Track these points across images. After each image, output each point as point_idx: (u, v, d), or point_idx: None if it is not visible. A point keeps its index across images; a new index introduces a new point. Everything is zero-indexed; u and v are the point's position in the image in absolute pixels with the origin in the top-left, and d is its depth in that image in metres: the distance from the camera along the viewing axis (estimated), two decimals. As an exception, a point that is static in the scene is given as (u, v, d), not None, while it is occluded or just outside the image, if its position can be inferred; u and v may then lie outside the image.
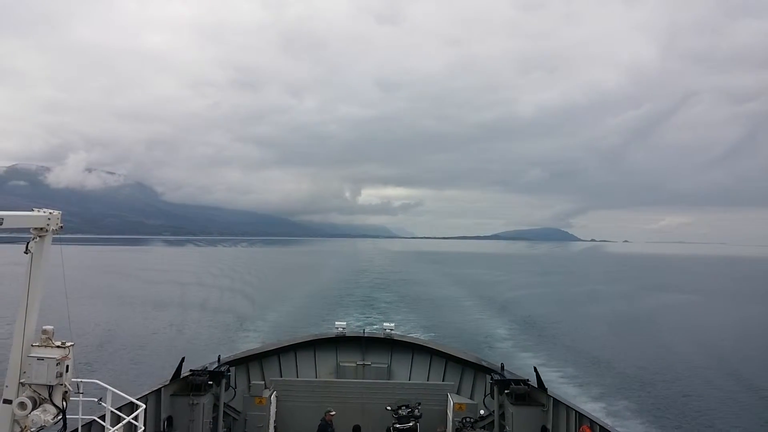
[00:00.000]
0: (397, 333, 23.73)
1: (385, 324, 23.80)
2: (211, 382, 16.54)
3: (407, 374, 21.63)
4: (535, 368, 17.45)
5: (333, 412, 16.22)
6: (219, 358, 18.34)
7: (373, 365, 21.68)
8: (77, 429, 10.59)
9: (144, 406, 11.53)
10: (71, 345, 9.24)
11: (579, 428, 14.15)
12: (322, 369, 21.73)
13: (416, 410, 17.01)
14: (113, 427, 10.33)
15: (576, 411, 14.75)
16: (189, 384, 16.27)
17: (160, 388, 15.43)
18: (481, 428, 16.88)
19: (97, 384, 10.65)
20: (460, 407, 17.63)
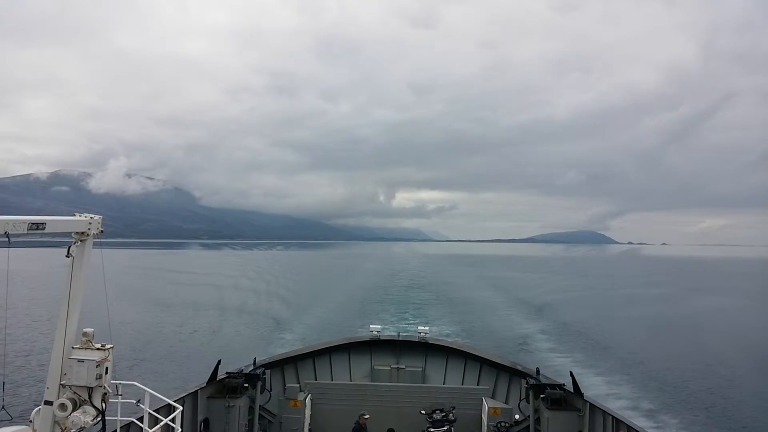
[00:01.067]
0: (432, 337, 23.62)
1: (419, 327, 23.72)
2: (246, 385, 16.72)
3: (442, 378, 21.51)
4: (571, 373, 17.16)
5: (367, 416, 16.22)
6: (254, 361, 18.52)
7: (407, 369, 21.62)
8: (116, 430, 10.79)
9: (181, 408, 11.69)
10: (111, 347, 9.44)
11: None
12: (356, 372, 21.75)
13: (450, 414, 16.90)
14: (151, 428, 10.50)
15: (613, 416, 14.45)
16: (225, 386, 16.48)
17: (196, 391, 15.66)
18: None
19: (136, 386, 10.84)
20: (495, 411, 17.45)
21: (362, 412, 16.46)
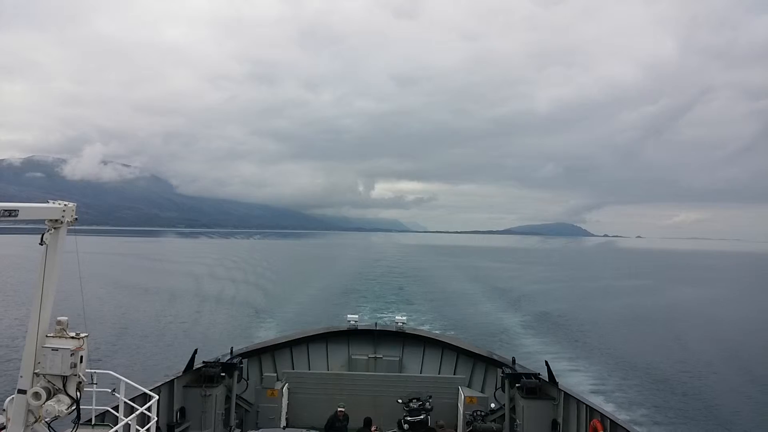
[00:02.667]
0: (409, 326, 23.76)
1: (397, 317, 23.90)
2: (223, 374, 16.69)
3: (419, 367, 21.67)
4: (546, 362, 17.44)
5: (342, 408, 16.15)
6: (232, 350, 18.47)
7: (384, 358, 21.74)
8: (91, 419, 10.71)
9: (157, 397, 11.62)
10: (85, 336, 9.31)
11: (589, 422, 14.11)
12: (334, 362, 21.82)
13: (427, 403, 17.03)
14: (126, 417, 10.43)
15: (587, 405, 14.72)
16: (202, 375, 16.43)
17: (173, 380, 15.58)
18: (491, 421, 16.89)
19: (111, 375, 10.75)
20: (471, 400, 17.66)
21: (340, 403, 16.46)
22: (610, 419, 13.49)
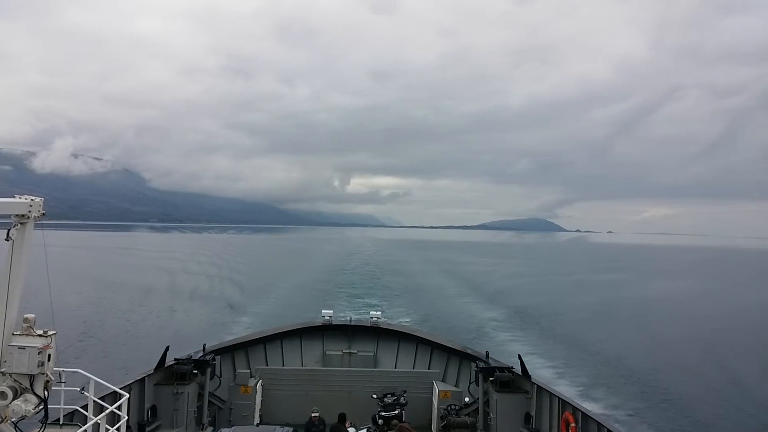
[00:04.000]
0: (384, 321, 23.81)
1: (371, 312, 23.89)
2: (196, 371, 16.51)
3: (393, 362, 21.74)
4: (519, 356, 17.64)
5: (316, 413, 15.97)
6: (204, 347, 18.29)
7: (359, 353, 21.77)
8: (59, 419, 10.50)
9: (127, 395, 11.46)
10: (53, 334, 9.12)
11: (561, 415, 14.32)
12: (308, 357, 21.76)
13: (402, 398, 17.09)
14: (96, 416, 10.26)
15: (559, 398, 14.93)
16: (173, 373, 16.23)
17: (143, 377, 15.36)
18: (465, 415, 17.02)
19: (80, 373, 10.56)
20: (446, 395, 17.79)
21: (314, 408, 16.16)
22: (582, 411, 13.70)
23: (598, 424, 12.88)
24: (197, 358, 17.02)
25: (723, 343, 48.02)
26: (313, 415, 15.79)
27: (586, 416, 13.47)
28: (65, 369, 9.87)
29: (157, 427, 15.45)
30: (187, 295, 66.87)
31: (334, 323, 22.60)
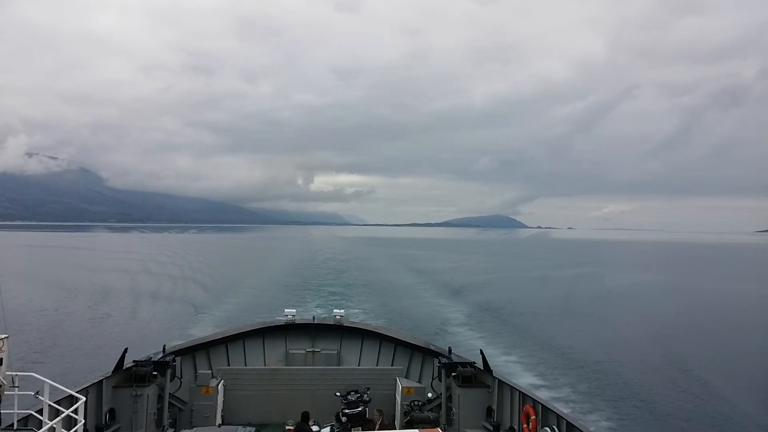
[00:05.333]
0: (347, 319, 23.80)
1: (335, 310, 23.83)
2: (155, 373, 16.20)
3: (357, 360, 21.76)
4: (481, 351, 17.84)
5: (291, 426, 15.50)
6: (164, 348, 17.97)
7: (322, 352, 21.72)
8: (13, 424, 10.24)
9: (84, 398, 11.24)
10: (5, 337, 8.91)
11: (522, 408, 14.58)
12: (271, 357, 21.60)
13: (365, 395, 17.13)
14: (51, 420, 10.03)
15: (519, 391, 15.18)
16: (132, 375, 15.90)
17: (101, 380, 15.02)
18: (428, 410, 17.17)
19: (34, 377, 10.31)
20: (409, 391, 17.91)
21: (288, 421, 15.60)
22: (542, 404, 13.97)
23: (557, 415, 13.15)
24: (157, 359, 16.71)
25: (678, 333, 50.25)
26: (287, 428, 15.52)
27: (545, 408, 13.75)
28: (18, 373, 9.64)
29: (116, 430, 15.14)
30: (146, 296, 65.52)
31: (297, 322, 22.46)
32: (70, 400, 11.91)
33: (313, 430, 15.63)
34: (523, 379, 31.10)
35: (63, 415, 10.27)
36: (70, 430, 10.23)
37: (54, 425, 9.91)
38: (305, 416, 15.88)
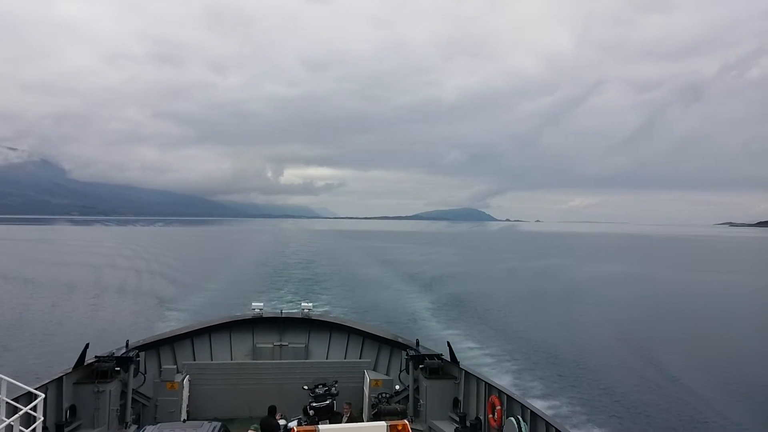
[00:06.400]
0: (315, 312, 23.69)
1: (303, 304, 23.65)
2: (118, 369, 15.90)
3: (325, 353, 21.70)
4: (448, 343, 18.00)
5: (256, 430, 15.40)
6: (127, 343, 17.62)
7: (290, 345, 21.58)
8: None
9: (43, 395, 11.00)
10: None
11: (488, 398, 14.76)
12: (237, 351, 21.39)
13: (333, 388, 17.11)
14: (9, 418, 9.79)
15: (486, 382, 15.35)
16: (94, 371, 15.57)
17: (61, 376, 14.67)
18: (396, 403, 17.24)
19: None
20: (377, 383, 17.97)
21: (253, 425, 15.52)
22: (507, 395, 14.16)
23: (522, 405, 13.35)
24: (120, 354, 16.39)
25: (638, 319, 53.14)
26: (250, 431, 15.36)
27: (510, 399, 13.94)
28: (-27, 370, 9.36)
29: (77, 427, 14.82)
30: (110, 291, 64.26)
31: (264, 316, 22.25)
32: (29, 397, 11.65)
33: (280, 424, 15.57)
34: (489, 369, 31.56)
35: (21, 413, 10.06)
36: (29, 427, 10.01)
37: (12, 423, 9.69)
38: (272, 410, 15.79)
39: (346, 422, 15.78)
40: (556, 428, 11.80)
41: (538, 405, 15.30)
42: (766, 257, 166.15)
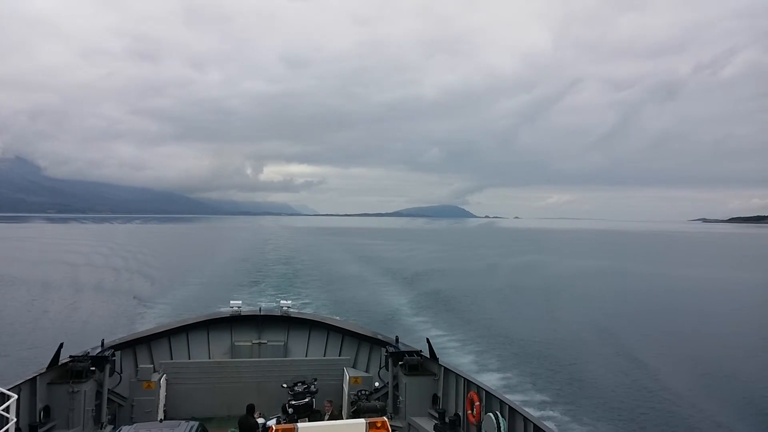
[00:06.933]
0: (294, 310, 23.57)
1: (282, 301, 23.53)
2: (93, 368, 15.65)
3: (304, 351, 21.61)
4: (427, 339, 18.01)
5: None
6: (102, 342, 17.37)
7: (269, 343, 21.44)
8: None
9: (16, 396, 10.79)
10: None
11: (467, 394, 14.81)
12: (216, 349, 21.19)
13: (312, 386, 17.04)
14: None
15: (465, 378, 15.40)
16: (69, 371, 15.31)
17: (35, 377, 14.39)
18: (375, 400, 17.23)
19: None
20: (356, 380, 17.93)
21: (230, 430, 15.49)
22: (486, 390, 14.21)
23: (501, 401, 13.41)
24: (95, 354, 16.14)
25: (613, 311, 55.22)
26: None
27: (489, 395, 14.00)
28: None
29: (52, 428, 14.57)
30: (85, 289, 63.32)
31: (243, 314, 22.08)
32: (1, 398, 11.41)
33: (259, 422, 15.47)
34: (467, 364, 31.76)
35: (-9, 415, 9.82)
36: (2, 429, 9.81)
37: None
38: (250, 408, 15.68)
39: (328, 420, 15.74)
40: (534, 423, 11.87)
41: (517, 401, 15.38)
42: (734, 252, 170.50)
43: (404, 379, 16.88)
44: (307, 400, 16.50)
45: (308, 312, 33.54)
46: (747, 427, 25.80)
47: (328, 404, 16.84)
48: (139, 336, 20.12)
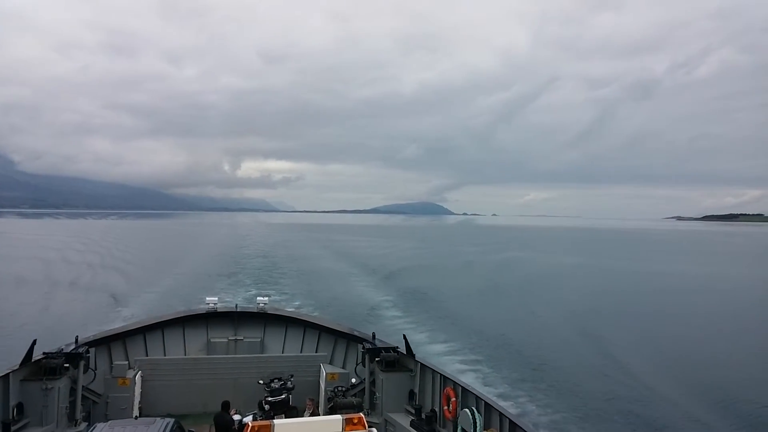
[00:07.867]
0: (271, 307, 23.54)
1: (258, 298, 23.47)
2: (67, 365, 15.48)
3: (281, 347, 21.60)
4: (404, 335, 18.11)
5: None
6: (77, 339, 17.17)
7: (245, 340, 21.39)
8: None
9: None
10: None
11: (443, 390, 14.96)
12: (191, 346, 21.08)
13: (289, 382, 17.09)
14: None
15: (441, 374, 15.54)
16: (42, 367, 15.12)
17: (7, 374, 14.21)
18: (352, 396, 17.31)
19: None
20: (333, 377, 18.00)
21: None
22: (462, 386, 14.38)
23: (476, 397, 13.58)
24: (69, 350, 15.96)
25: (589, 305, 57.28)
26: None
27: (465, 390, 14.16)
28: None
29: (25, 426, 14.39)
30: (59, 285, 62.37)
31: (219, 310, 21.99)
32: None
33: (234, 419, 15.46)
34: (443, 361, 32.00)
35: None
36: None
37: None
38: (225, 405, 15.67)
39: (309, 417, 15.79)
40: (509, 419, 12.05)
41: (492, 396, 15.59)
42: (704, 249, 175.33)
43: (381, 376, 16.97)
44: (283, 396, 16.55)
45: (285, 308, 33.47)
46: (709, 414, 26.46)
47: (310, 402, 16.89)
48: (113, 333, 19.94)
